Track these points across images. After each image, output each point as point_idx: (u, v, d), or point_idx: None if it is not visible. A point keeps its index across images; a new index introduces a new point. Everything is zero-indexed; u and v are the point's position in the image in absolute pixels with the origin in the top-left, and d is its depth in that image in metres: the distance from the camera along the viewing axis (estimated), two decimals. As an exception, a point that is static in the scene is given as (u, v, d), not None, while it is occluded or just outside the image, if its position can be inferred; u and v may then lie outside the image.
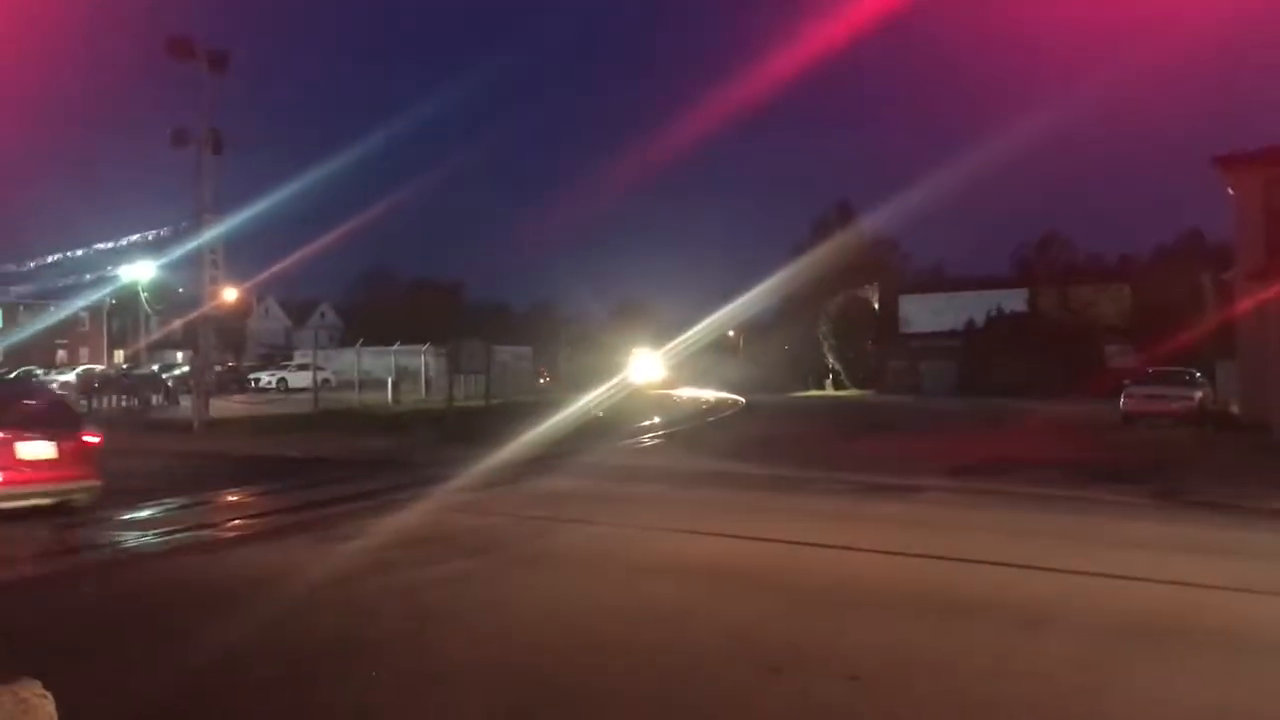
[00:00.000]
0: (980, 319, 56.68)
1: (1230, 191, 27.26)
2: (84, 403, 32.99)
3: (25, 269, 57.04)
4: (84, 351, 75.86)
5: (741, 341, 67.06)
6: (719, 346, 54.10)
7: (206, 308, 28.09)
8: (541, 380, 52.93)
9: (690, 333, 46.79)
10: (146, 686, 5.86)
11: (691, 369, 54.17)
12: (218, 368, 47.19)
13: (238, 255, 34.09)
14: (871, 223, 66.86)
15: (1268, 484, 14.68)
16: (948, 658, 6.35)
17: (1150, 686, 5.82)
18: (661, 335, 53.98)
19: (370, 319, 75.92)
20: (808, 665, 6.20)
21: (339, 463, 18.20)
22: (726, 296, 49.10)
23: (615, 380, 36.90)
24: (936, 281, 69.15)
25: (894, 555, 9.65)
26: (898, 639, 6.83)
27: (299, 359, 61.22)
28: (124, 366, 55.13)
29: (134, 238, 45.21)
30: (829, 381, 60.28)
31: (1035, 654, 6.47)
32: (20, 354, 65.76)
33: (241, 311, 73.97)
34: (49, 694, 3.73)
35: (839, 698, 5.65)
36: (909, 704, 5.51)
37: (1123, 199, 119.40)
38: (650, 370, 46.80)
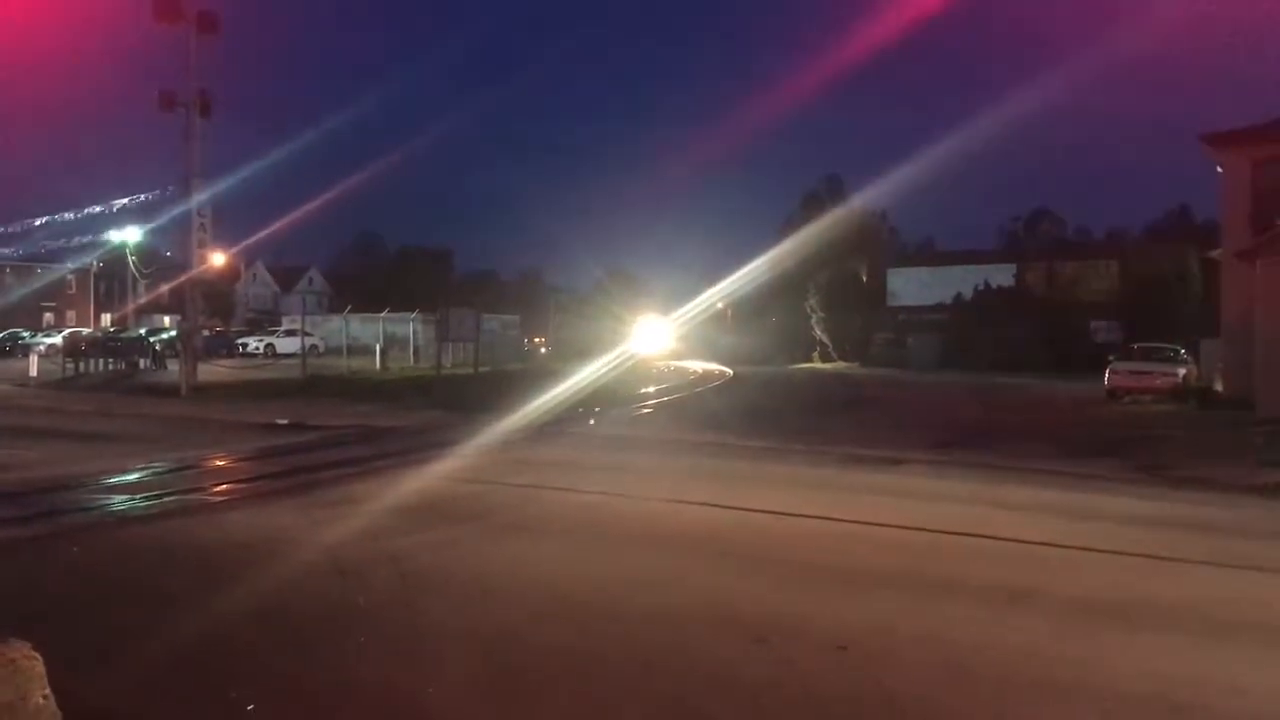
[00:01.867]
0: (967, 293, 56.77)
1: (1219, 170, 27.31)
2: (70, 366, 32.85)
3: (12, 231, 56.79)
4: (71, 314, 75.49)
5: (730, 314, 67.00)
6: (711, 319, 54.06)
7: (194, 272, 27.97)
8: (542, 349, 52.92)
9: (687, 306, 46.89)
10: (134, 652, 5.87)
11: (684, 340, 54.18)
12: (205, 332, 47.05)
13: (226, 219, 33.97)
14: (860, 196, 66.87)
15: (1248, 460, 14.79)
16: (933, 628, 6.40)
17: (1130, 659, 5.88)
18: (653, 306, 53.97)
19: (359, 285, 75.82)
20: (793, 635, 6.24)
21: (327, 429, 18.18)
22: (719, 268, 49.25)
23: (613, 351, 36.81)
24: (924, 255, 69.24)
25: (876, 526, 9.69)
26: (883, 610, 6.87)
27: (287, 324, 61.08)
28: (111, 330, 54.92)
29: (122, 201, 45.00)
30: (816, 354, 60.35)
31: (1017, 626, 6.52)
32: (6, 316, 65.41)
33: (229, 276, 73.76)
34: (38, 655, 3.75)
35: (825, 667, 5.69)
36: (896, 674, 5.56)
37: (1112, 176, 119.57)
38: (649, 341, 46.82)
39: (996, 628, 6.47)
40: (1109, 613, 6.84)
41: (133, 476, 12.39)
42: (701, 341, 56.58)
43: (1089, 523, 10.11)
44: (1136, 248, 60.45)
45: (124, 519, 9.95)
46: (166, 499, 10.93)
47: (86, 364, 33.41)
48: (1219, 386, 26.90)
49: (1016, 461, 14.90)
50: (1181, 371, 27.98)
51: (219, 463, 14.21)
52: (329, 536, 8.88)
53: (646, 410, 24.34)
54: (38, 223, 53.01)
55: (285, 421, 19.16)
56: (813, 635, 6.24)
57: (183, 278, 28.95)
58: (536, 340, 53.91)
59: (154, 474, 12.66)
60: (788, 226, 65.58)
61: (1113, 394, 27.71)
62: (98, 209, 49.23)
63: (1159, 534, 9.59)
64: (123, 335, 45.43)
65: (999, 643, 6.13)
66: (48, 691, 3.73)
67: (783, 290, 61.50)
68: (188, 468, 13.35)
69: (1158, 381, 27.39)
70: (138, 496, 11.07)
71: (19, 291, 69.46)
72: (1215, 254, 28.58)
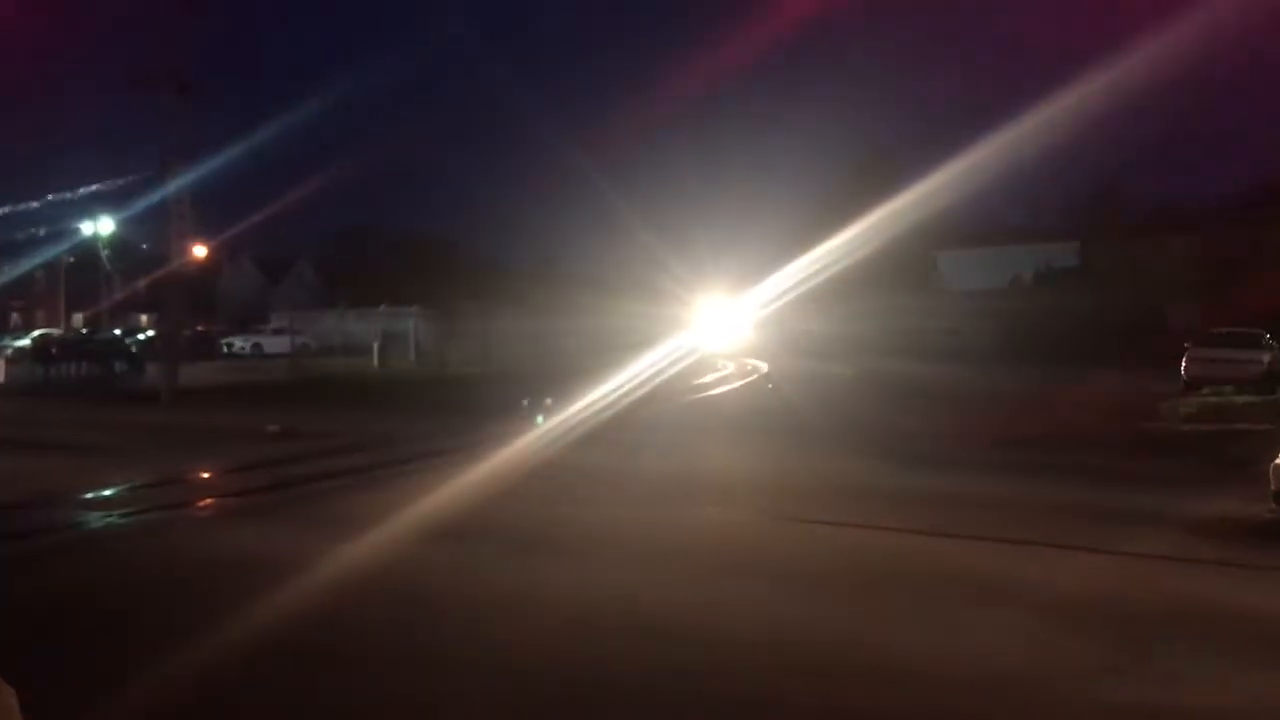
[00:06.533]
0: (1029, 275, 56.42)
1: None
2: (40, 370, 33.11)
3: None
4: (40, 314, 75.94)
5: (798, 303, 66.00)
6: (784, 307, 53.20)
7: (174, 265, 28.15)
8: (567, 344, 52.81)
9: (752, 292, 46.59)
10: (117, 683, 5.92)
11: (753, 330, 53.73)
12: (186, 332, 47.34)
13: (208, 208, 34.07)
14: (911, 169, 66.22)
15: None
16: (980, 645, 6.40)
17: (1193, 679, 5.87)
18: (716, 290, 53.47)
19: (354, 278, 75.85)
20: (828, 650, 6.26)
21: (321, 436, 18.25)
22: (780, 249, 48.84)
23: (664, 344, 36.30)
24: (981, 234, 68.65)
25: (922, 535, 9.69)
26: (927, 625, 6.90)
27: (276, 322, 61.35)
28: (84, 331, 55.32)
29: (94, 188, 45.25)
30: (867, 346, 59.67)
31: (1072, 644, 6.52)
32: (-30, 317, 66.00)
33: (212, 270, 74.01)
34: (10, 687, 3.78)
35: (863, 691, 5.70)
36: (942, 695, 5.56)
37: (1189, 146, 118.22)
38: (713, 332, 46.29)
39: (1049, 647, 6.44)
40: (1174, 628, 6.82)
41: (110, 491, 12.46)
42: (775, 332, 55.73)
43: (1159, 528, 9.94)
44: (1218, 223, 59.79)
45: (101, 538, 10.04)
46: (147, 516, 11.00)
47: (58, 368, 33.70)
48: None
49: (1080, 460, 14.81)
50: (1266, 358, 27.67)
51: (204, 475, 14.29)
52: (327, 554, 8.89)
53: (677, 411, 24.27)
54: (1, 212, 53.36)
55: (276, 429, 19.24)
56: (849, 649, 6.25)
57: (161, 272, 29.17)
58: (555, 334, 53.65)
59: (133, 489, 12.71)
60: (834, 203, 64.98)
61: (1191, 384, 27.42)
62: (68, 197, 49.54)
63: (1240, 540, 9.52)
64: (97, 336, 45.80)
65: (1049, 662, 6.11)
66: (23, 726, 3.76)
67: (839, 277, 60.60)
68: (170, 481, 13.41)
69: (1241, 370, 27.08)
70: (116, 513, 11.15)
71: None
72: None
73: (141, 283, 44.49)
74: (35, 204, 50.88)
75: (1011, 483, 13.21)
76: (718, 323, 49.78)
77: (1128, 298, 50.77)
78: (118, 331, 51.91)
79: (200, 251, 31.65)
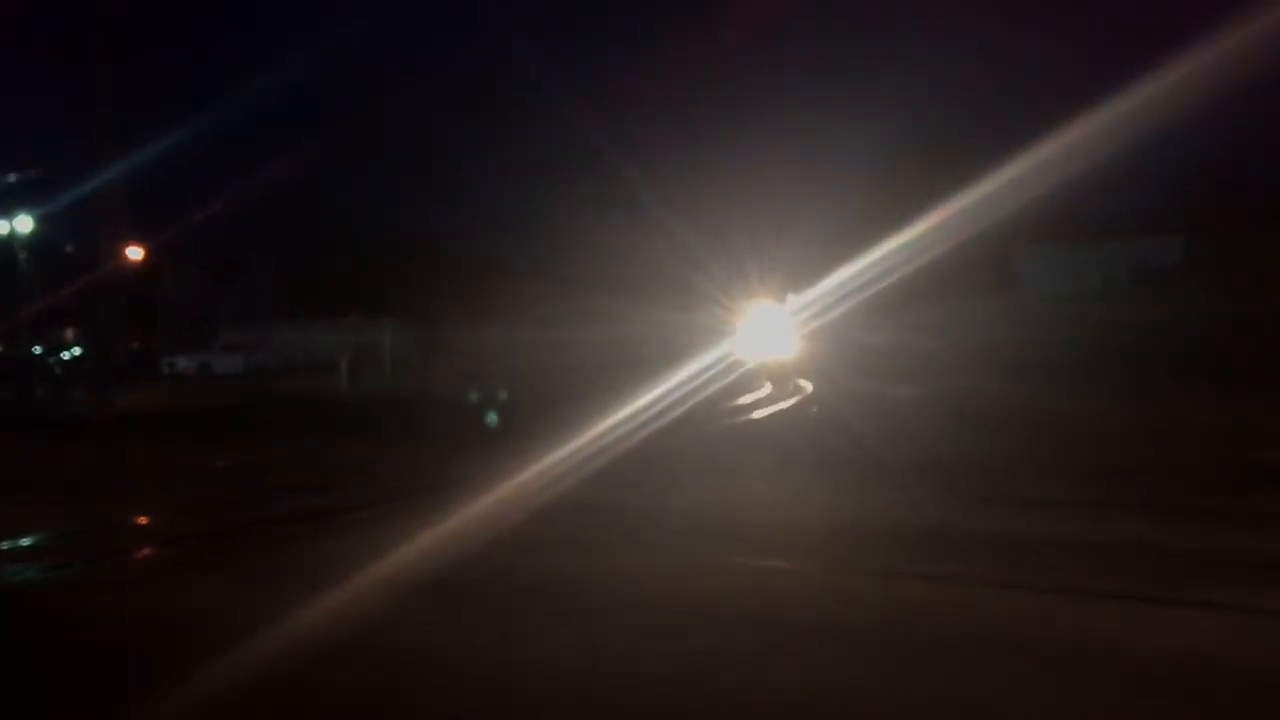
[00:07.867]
0: (1122, 275, 56.30)
1: None
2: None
3: None
4: (-52, 329, 76.43)
5: (861, 307, 65.89)
6: (845, 313, 53.26)
7: (105, 270, 28.16)
8: (577, 358, 53.04)
9: (806, 294, 46.66)
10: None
11: (807, 340, 53.85)
12: (121, 348, 47.47)
13: (147, 202, 34.19)
14: (975, 149, 66.18)
15: None
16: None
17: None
18: (768, 293, 53.60)
19: (320, 284, 76.24)
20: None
21: (281, 471, 18.23)
22: (817, 259, 48.98)
23: (702, 355, 36.15)
24: (1065, 227, 68.48)
25: (996, 588, 9.52)
26: (974, 695, 6.77)
27: (227, 337, 61.65)
28: (-2, 347, 55.62)
29: (8, 178, 45.44)
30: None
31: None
32: None
33: (152, 275, 74.40)
34: None
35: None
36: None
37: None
38: (759, 341, 46.22)
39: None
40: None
41: (27, 540, 12.41)
42: (828, 344, 55.63)
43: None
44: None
45: (13, 594, 9.95)
46: (72, 569, 10.97)
47: (-35, 392, 33.90)
48: None
49: (1190, 498, 14.61)
50: None
51: (140, 520, 14.24)
52: (284, 612, 8.71)
53: (713, 440, 24.13)
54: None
55: (225, 464, 19.24)
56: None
57: (91, 278, 29.19)
58: (563, 346, 53.84)
59: (54, 536, 12.67)
60: (898, 195, 64.94)
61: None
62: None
63: None
64: (13, 354, 45.97)
65: None
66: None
67: (904, 281, 60.42)
68: (100, 526, 13.39)
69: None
70: (34, 567, 11.11)
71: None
72: None
73: (67, 291, 44.61)
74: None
75: (1100, 525, 13.00)
76: (760, 333, 49.76)
77: (1243, 300, 50.56)
78: (38, 349, 52.02)
79: (136, 253, 31.76)
